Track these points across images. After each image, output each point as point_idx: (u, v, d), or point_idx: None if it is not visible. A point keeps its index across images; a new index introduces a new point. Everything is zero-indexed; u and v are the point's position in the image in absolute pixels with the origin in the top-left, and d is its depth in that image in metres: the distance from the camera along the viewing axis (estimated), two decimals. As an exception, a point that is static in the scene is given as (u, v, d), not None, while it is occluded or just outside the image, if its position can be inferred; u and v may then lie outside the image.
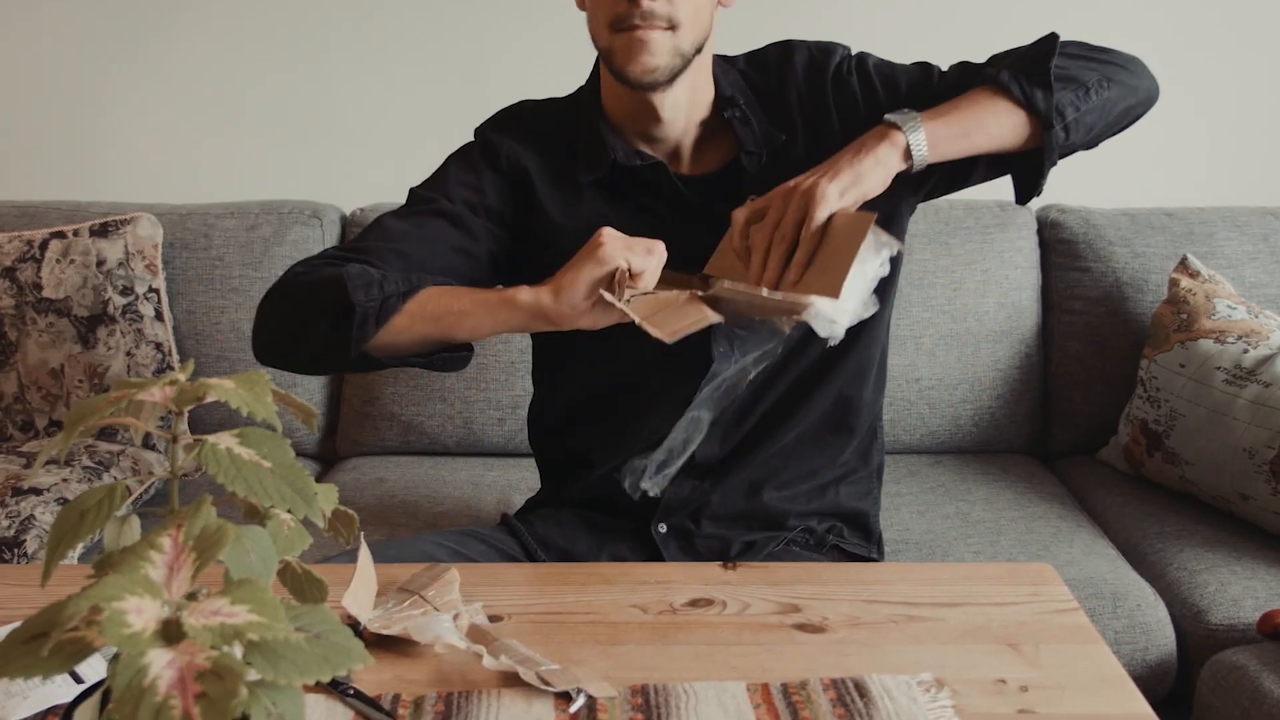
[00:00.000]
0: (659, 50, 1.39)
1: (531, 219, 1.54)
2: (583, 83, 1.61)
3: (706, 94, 1.52)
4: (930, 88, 1.53)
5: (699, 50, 1.45)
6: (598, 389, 1.59)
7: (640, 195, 1.53)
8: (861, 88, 1.54)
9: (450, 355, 1.42)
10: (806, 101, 1.55)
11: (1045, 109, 1.43)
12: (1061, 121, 1.44)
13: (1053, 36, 1.49)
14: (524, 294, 1.33)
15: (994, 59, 1.54)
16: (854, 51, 1.59)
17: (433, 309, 1.36)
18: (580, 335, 1.38)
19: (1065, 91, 1.45)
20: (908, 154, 1.41)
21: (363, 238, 1.51)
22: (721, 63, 1.56)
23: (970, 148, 1.45)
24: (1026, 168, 1.52)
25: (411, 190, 1.56)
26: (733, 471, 1.56)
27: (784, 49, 1.58)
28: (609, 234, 1.30)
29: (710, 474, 1.56)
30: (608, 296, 1.27)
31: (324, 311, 1.37)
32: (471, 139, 1.61)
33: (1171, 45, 2.64)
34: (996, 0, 2.64)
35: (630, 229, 1.47)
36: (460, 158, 1.57)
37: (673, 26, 1.39)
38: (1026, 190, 1.55)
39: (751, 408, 1.55)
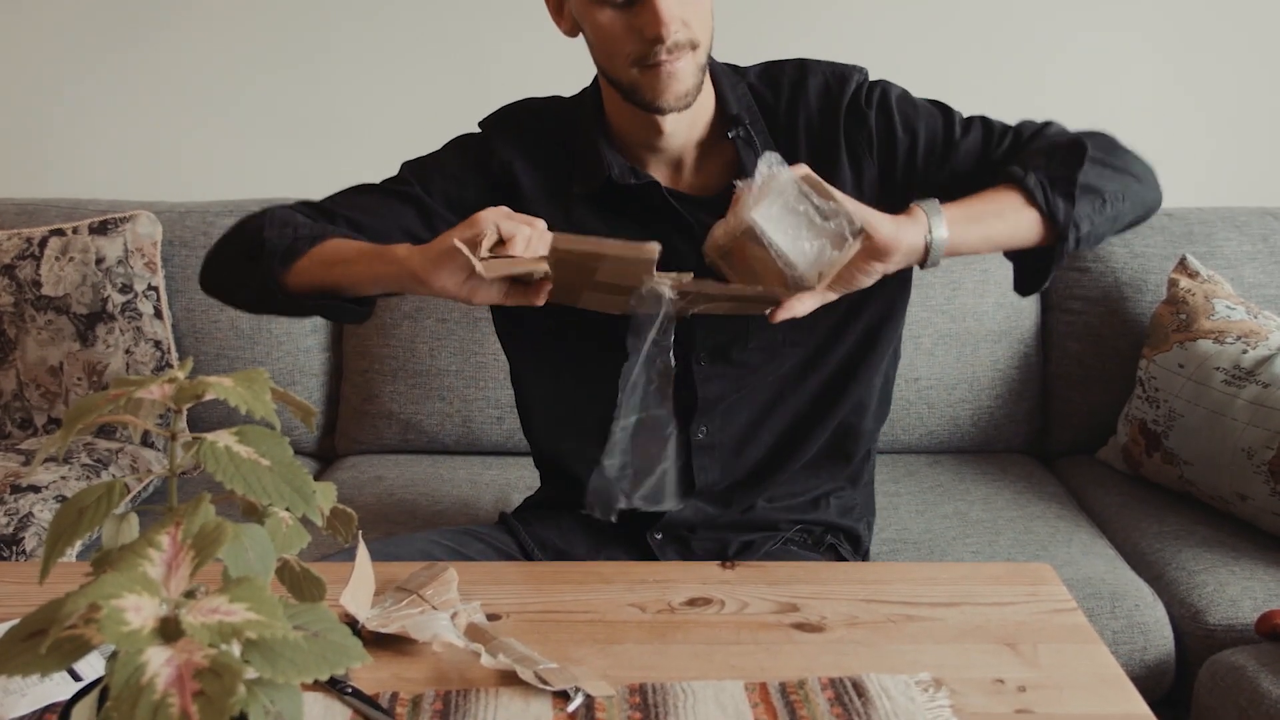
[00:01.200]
0: (686, 75, 1.39)
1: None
2: (586, 82, 1.59)
3: (707, 101, 1.49)
4: (951, 146, 1.50)
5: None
6: (572, 414, 1.60)
7: (633, 210, 1.51)
8: (879, 126, 1.50)
9: (340, 305, 1.44)
10: (815, 130, 1.52)
11: (1064, 221, 1.40)
12: (1076, 234, 1.41)
13: (1082, 146, 1.45)
14: (400, 249, 1.34)
15: (1021, 135, 1.52)
16: (871, 78, 1.55)
17: (329, 256, 1.40)
18: (545, 361, 1.47)
19: (1084, 203, 1.41)
20: (923, 261, 1.39)
21: (332, 197, 1.56)
22: (730, 74, 1.54)
23: (982, 246, 1.43)
24: (1032, 263, 1.49)
25: (404, 164, 1.59)
26: (735, 499, 1.57)
27: (800, 69, 1.54)
28: (493, 208, 1.31)
29: (714, 500, 1.57)
30: (457, 243, 1.25)
31: (244, 244, 1.46)
32: (476, 129, 1.61)
33: (1172, 44, 2.65)
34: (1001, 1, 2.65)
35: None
36: (457, 148, 1.58)
37: (694, 47, 1.38)
38: (1029, 285, 1.53)
39: (754, 436, 1.55)
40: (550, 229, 1.46)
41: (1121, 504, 2.19)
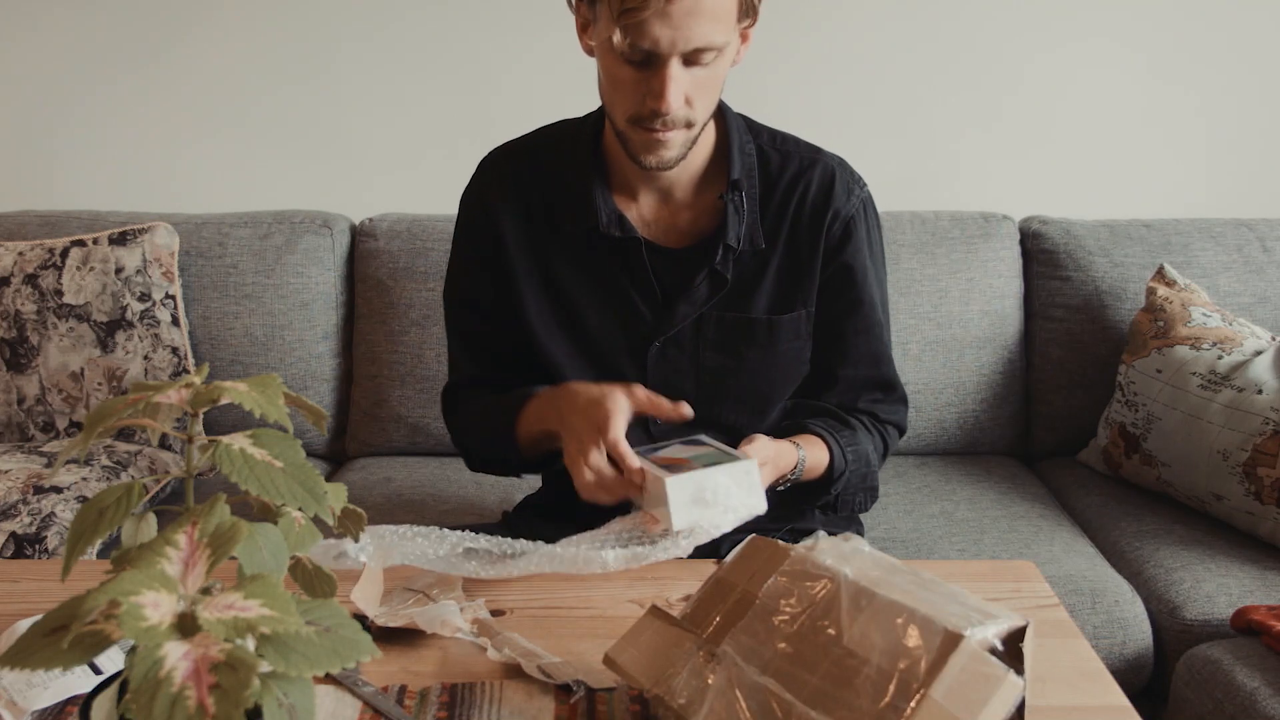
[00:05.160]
0: (674, 145, 1.40)
1: (501, 256, 1.59)
2: (587, 99, 1.58)
3: (707, 140, 1.50)
4: (849, 304, 1.58)
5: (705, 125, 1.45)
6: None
7: (611, 260, 1.53)
8: (844, 249, 1.55)
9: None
10: (804, 220, 1.53)
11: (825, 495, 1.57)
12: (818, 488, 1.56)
13: (874, 490, 1.64)
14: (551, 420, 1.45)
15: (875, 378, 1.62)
16: (867, 195, 1.59)
17: (524, 438, 1.53)
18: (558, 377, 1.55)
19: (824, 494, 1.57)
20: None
21: (455, 366, 1.69)
22: (743, 129, 1.55)
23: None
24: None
25: (445, 294, 1.67)
26: None
27: (813, 154, 1.56)
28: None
29: None
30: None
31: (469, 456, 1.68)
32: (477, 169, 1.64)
33: (1151, 61, 2.67)
34: (1000, 12, 2.67)
35: (585, 286, 1.54)
36: (463, 209, 1.62)
37: (690, 125, 1.39)
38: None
39: None
40: (522, 280, 1.55)
41: (1101, 504, 2.22)
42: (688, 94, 1.36)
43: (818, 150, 1.58)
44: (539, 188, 1.57)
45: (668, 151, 1.41)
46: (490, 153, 1.63)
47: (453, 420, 1.69)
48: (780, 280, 1.53)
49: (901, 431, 1.67)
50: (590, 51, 1.44)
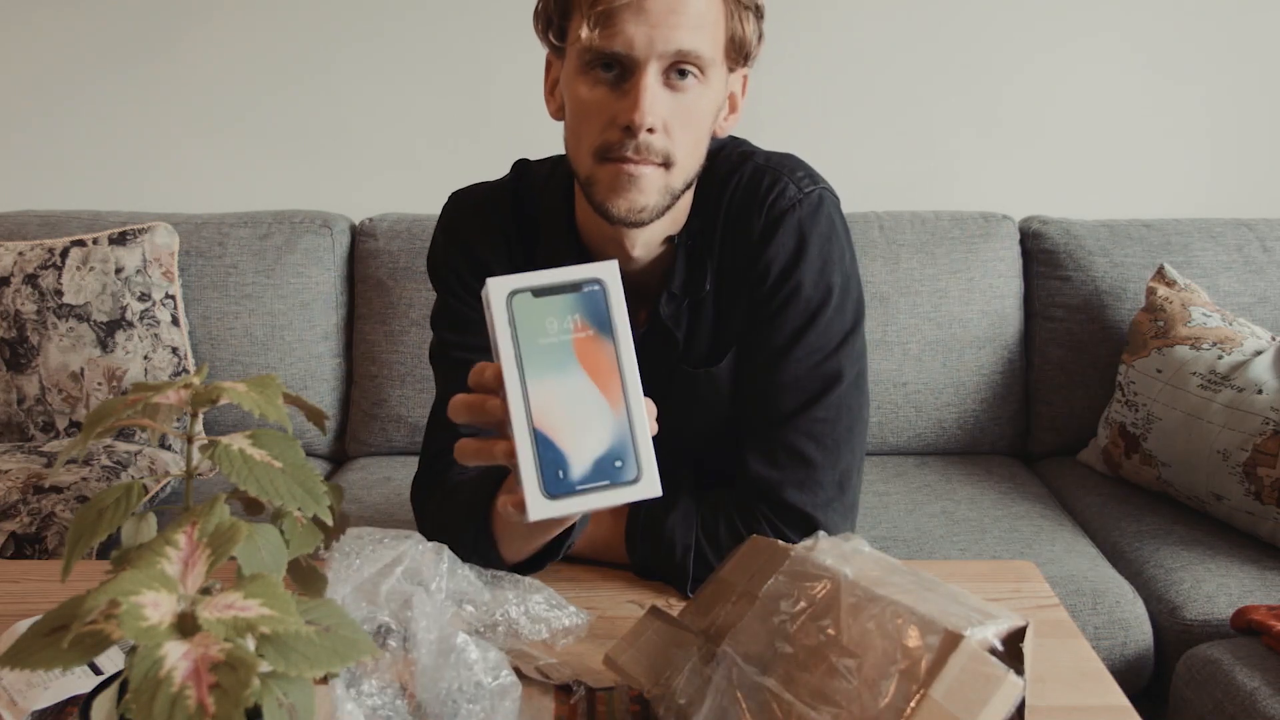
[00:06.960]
0: (650, 188, 1.20)
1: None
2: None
3: (679, 216, 1.32)
4: (776, 352, 1.31)
5: (689, 186, 1.27)
6: None
7: None
8: (771, 256, 1.30)
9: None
10: (731, 242, 1.32)
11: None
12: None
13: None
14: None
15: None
16: (819, 195, 1.33)
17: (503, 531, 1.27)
18: None
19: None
20: None
21: (434, 434, 1.42)
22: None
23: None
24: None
25: (434, 343, 1.44)
26: None
27: (740, 158, 1.36)
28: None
29: None
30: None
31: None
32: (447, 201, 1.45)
33: (1150, 61, 2.68)
34: (999, 11, 2.67)
35: None
36: (454, 280, 1.40)
37: (667, 164, 1.21)
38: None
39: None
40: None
41: (1102, 504, 2.22)
42: (666, 120, 1.18)
43: (743, 149, 1.38)
44: (516, 249, 1.41)
45: (641, 195, 1.20)
46: (459, 199, 1.44)
47: (431, 511, 1.39)
48: (721, 332, 1.36)
49: (813, 526, 1.30)
50: (555, 114, 1.31)
